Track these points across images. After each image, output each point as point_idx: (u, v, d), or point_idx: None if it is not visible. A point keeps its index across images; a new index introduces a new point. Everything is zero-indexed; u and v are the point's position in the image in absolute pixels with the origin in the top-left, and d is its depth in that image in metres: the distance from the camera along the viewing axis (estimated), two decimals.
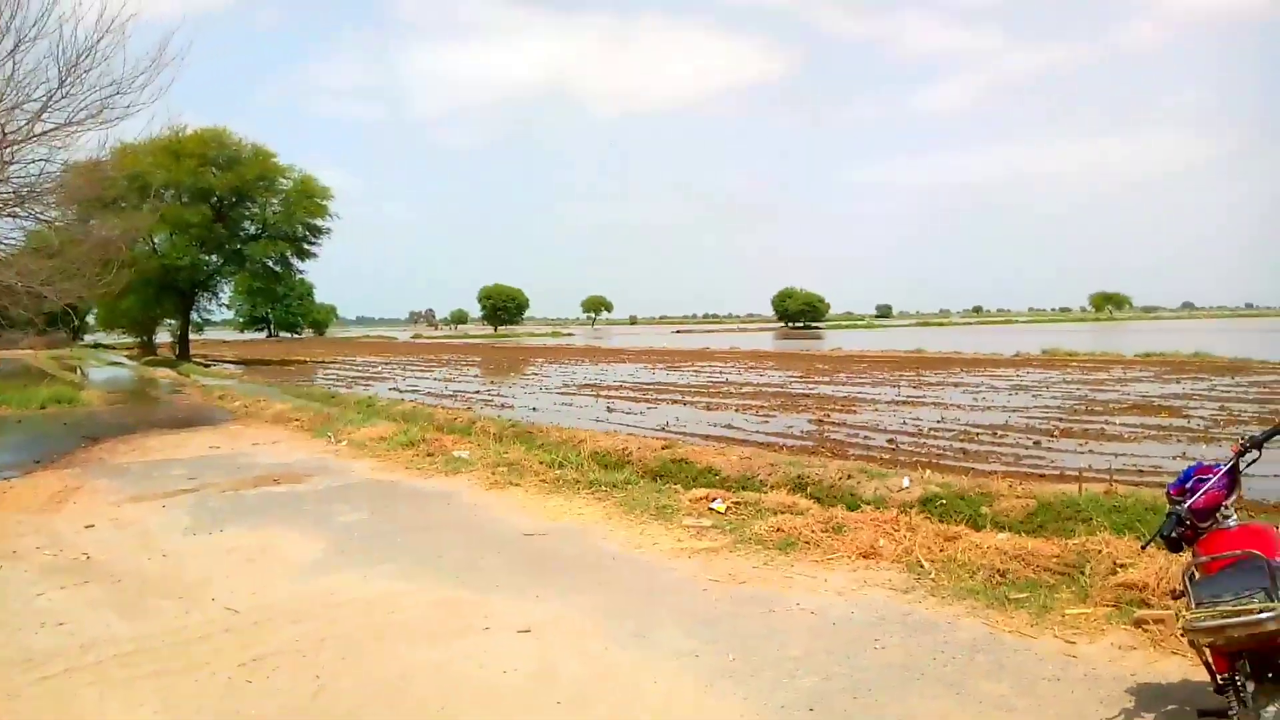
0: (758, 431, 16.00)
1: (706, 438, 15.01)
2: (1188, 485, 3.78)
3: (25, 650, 5.09)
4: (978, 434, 15.02)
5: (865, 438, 14.83)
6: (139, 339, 60.06)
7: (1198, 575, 3.33)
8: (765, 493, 9.31)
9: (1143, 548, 4.28)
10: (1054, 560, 5.96)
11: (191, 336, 60.61)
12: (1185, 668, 4.41)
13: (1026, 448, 13.65)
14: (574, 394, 24.79)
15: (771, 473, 10.81)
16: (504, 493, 9.37)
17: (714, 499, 8.26)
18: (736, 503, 8.16)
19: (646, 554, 6.90)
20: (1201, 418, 16.42)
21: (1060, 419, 16.84)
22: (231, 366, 44.80)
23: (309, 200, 48.08)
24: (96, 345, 78.02)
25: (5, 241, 14.35)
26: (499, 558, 6.87)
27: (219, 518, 8.55)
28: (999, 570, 5.92)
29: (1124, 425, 15.68)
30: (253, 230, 48.83)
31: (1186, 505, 3.64)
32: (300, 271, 54.48)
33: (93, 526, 8.29)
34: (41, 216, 14.14)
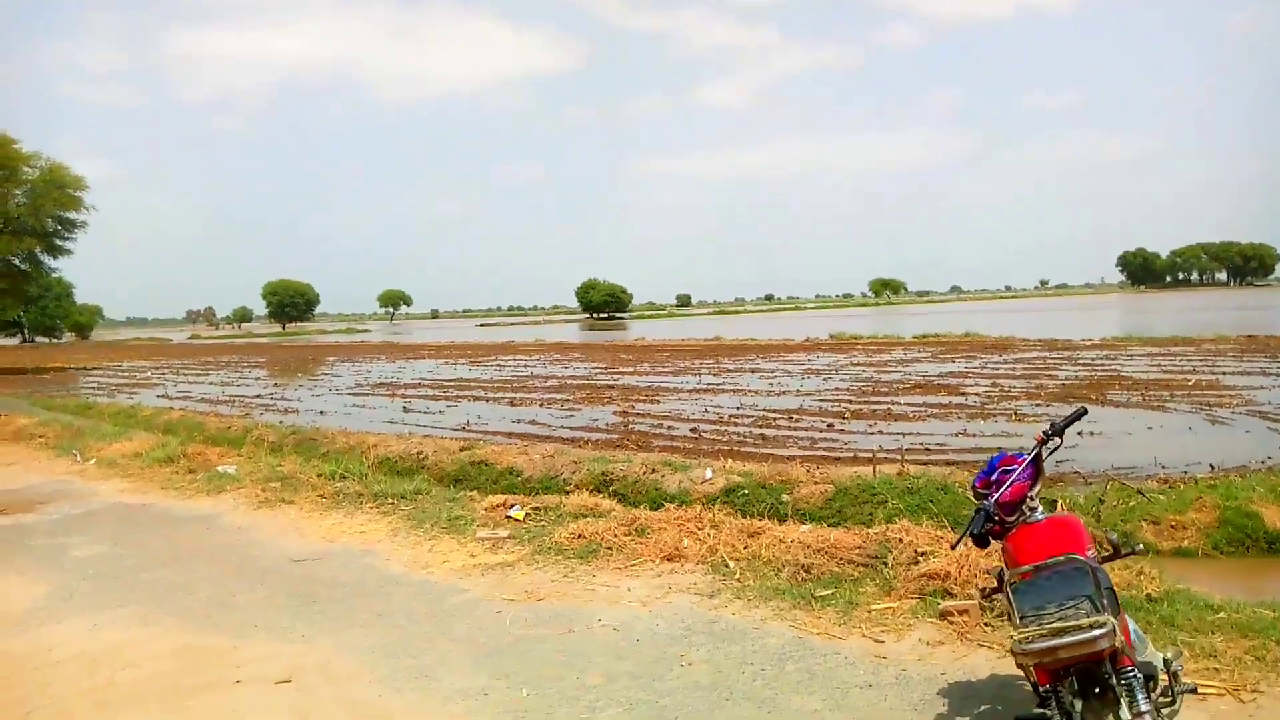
0: (562, 427, 15.57)
1: (509, 435, 14.43)
2: (993, 478, 3.60)
3: None
4: (775, 419, 15.24)
5: (669, 428, 14.71)
6: None
7: (1017, 583, 3.11)
8: (568, 494, 8.86)
9: (953, 547, 4.10)
10: (856, 551, 5.82)
11: None
12: (993, 661, 4.29)
13: (821, 430, 13.93)
14: (368, 394, 23.48)
15: (576, 470, 10.39)
16: (274, 512, 8.39)
17: (512, 505, 7.69)
18: (536, 508, 7.62)
19: (435, 574, 6.24)
20: (977, 394, 17.43)
21: (850, 401, 17.42)
22: None
23: (59, 191, 43.27)
24: None
25: None
26: (259, 591, 6.01)
27: None
28: (804, 566, 5.71)
29: (909, 405, 16.39)
30: None
31: (994, 500, 3.44)
32: (53, 270, 49.10)
33: None
34: None
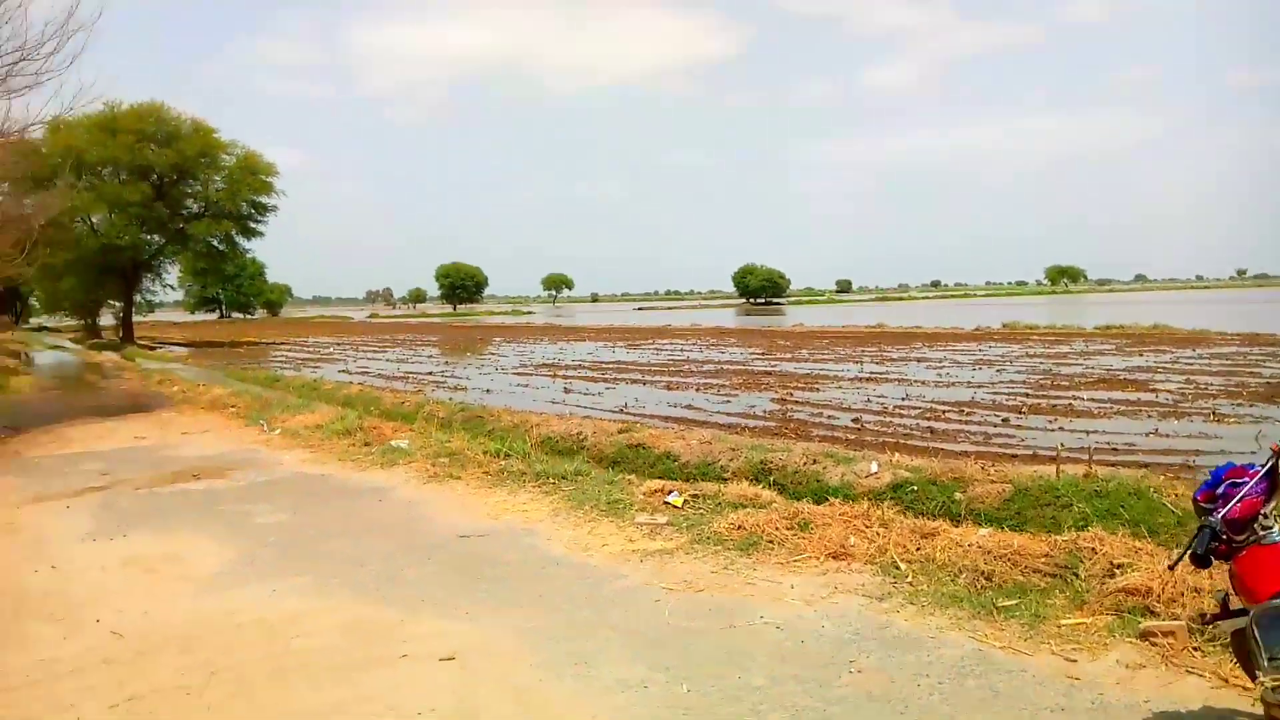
0: (719, 412, 15.39)
1: (666, 419, 14.38)
2: (1218, 491, 3.18)
3: None
4: (944, 411, 14.54)
5: (829, 417, 14.27)
6: (82, 322, 57.98)
7: (1262, 616, 2.72)
8: (726, 483, 8.68)
9: (1170, 568, 3.69)
10: (1043, 560, 5.38)
11: (138, 318, 58.83)
12: (1206, 691, 3.84)
13: (995, 425, 13.18)
14: (530, 374, 24.03)
15: (734, 457, 10.18)
16: (443, 487, 8.63)
17: (670, 491, 7.59)
18: (695, 495, 7.50)
19: (594, 558, 6.21)
20: (1169, 391, 16.08)
21: (1027, 394, 16.42)
22: (178, 349, 43.38)
23: (253, 177, 46.40)
24: (40, 329, 75.53)
25: None
26: (427, 566, 6.15)
27: (125, 521, 7.73)
28: (983, 572, 5.32)
29: (1092, 401, 15.28)
30: (195, 209, 47.06)
31: (1220, 516, 3.03)
32: (247, 251, 52.83)
33: None
34: None
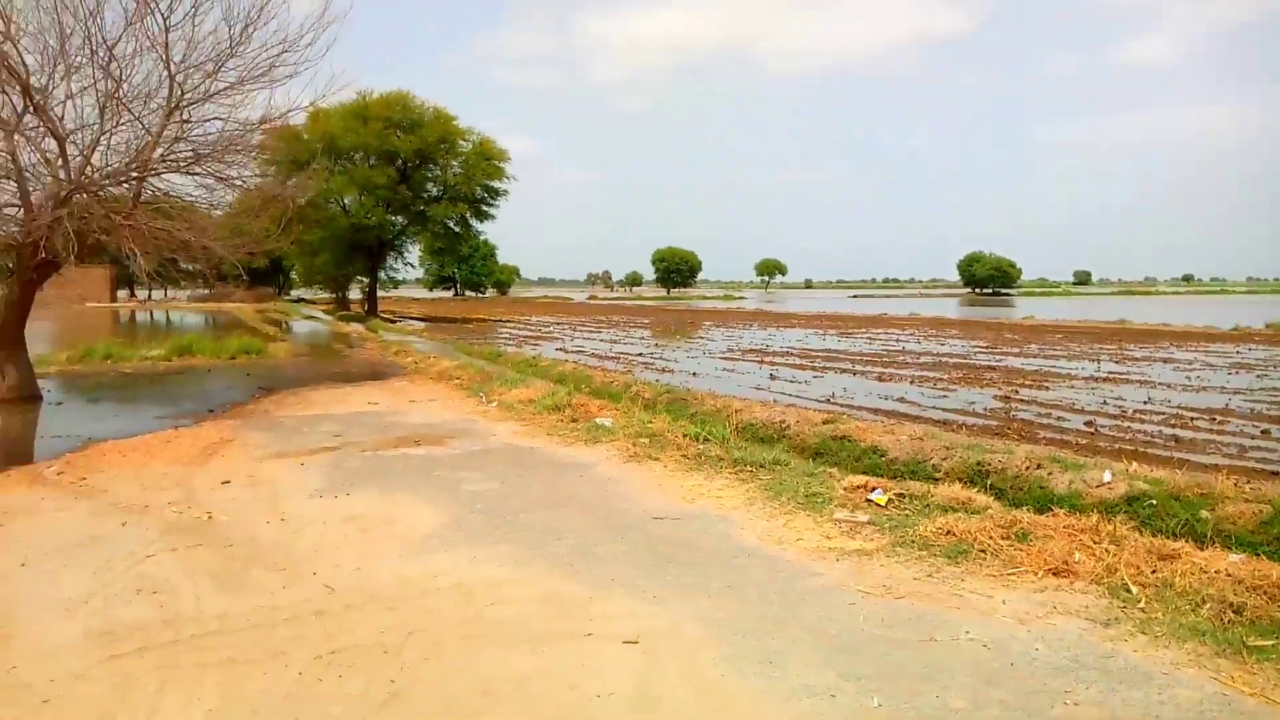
0: (934, 407, 14.63)
1: (875, 412, 13.84)
2: None
3: (111, 622, 4.81)
4: (1192, 419, 13.12)
5: (1058, 418, 13.23)
6: (334, 295, 63.53)
7: None
8: (936, 484, 8.19)
9: None
10: None
11: (382, 294, 63.79)
12: None
13: (1253, 437, 11.74)
14: (738, 359, 23.90)
15: (947, 456, 9.61)
16: (641, 467, 8.67)
17: (873, 488, 7.23)
18: (900, 494, 7.10)
19: (788, 552, 6.00)
20: None
21: None
22: (416, 323, 46.52)
23: (487, 162, 49.03)
24: (299, 300, 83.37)
25: (187, 199, 14.87)
26: (620, 544, 6.16)
27: (350, 480, 8.30)
28: (1232, 604, 4.67)
29: None
30: (434, 192, 50.32)
31: None
32: (480, 232, 55.91)
33: (228, 483, 8.20)
34: (220, 175, 14.51)
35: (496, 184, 50.25)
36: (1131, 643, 4.43)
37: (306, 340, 32.18)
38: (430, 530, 6.61)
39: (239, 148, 14.54)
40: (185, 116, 13.87)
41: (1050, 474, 8.45)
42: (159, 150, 13.90)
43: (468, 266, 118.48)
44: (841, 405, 14.55)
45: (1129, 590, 5.02)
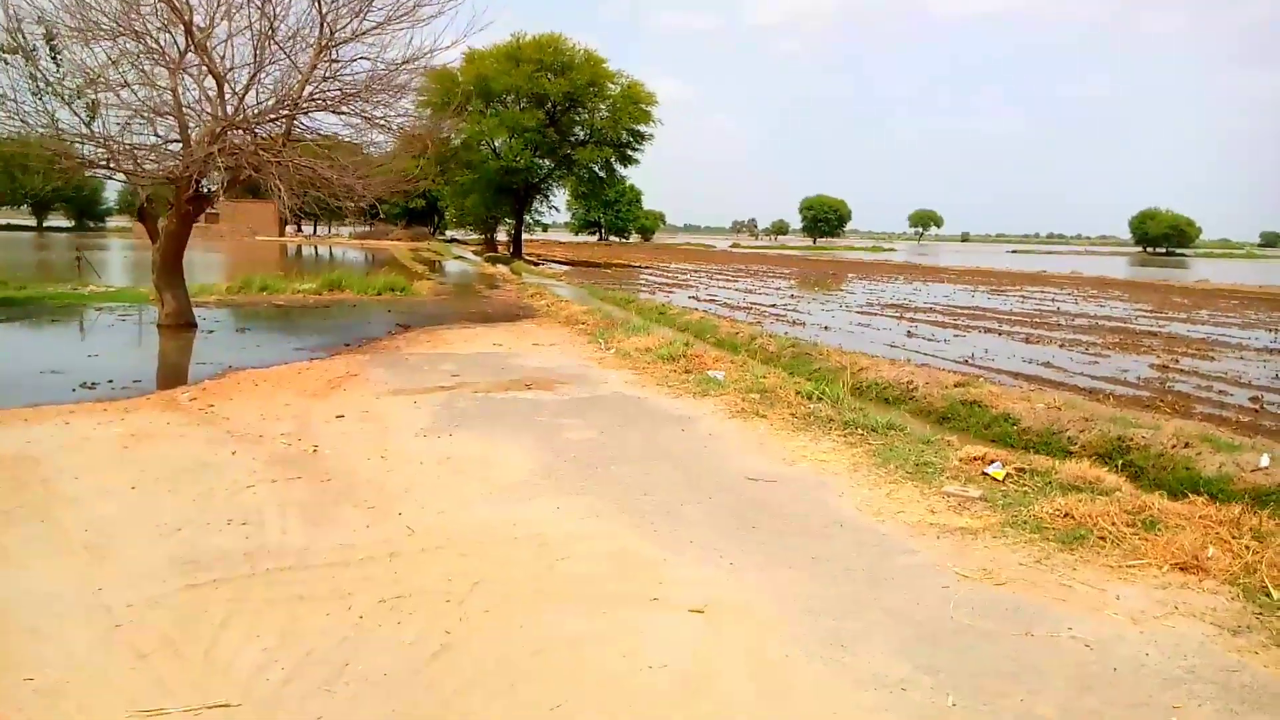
0: (1081, 374, 13.59)
1: (1015, 376, 12.98)
2: None
3: (198, 552, 4.94)
4: None
5: (1220, 392, 12.04)
6: (482, 236, 65.08)
7: None
8: (1069, 457, 7.56)
9: None
10: None
11: (529, 237, 64.89)
12: None
13: None
14: (875, 314, 23.01)
15: (1084, 429, 8.88)
16: (746, 423, 8.35)
17: (992, 461, 6.69)
18: (1020, 469, 6.54)
19: (885, 525, 5.61)
20: None
21: None
22: (557, 266, 47.16)
23: (634, 106, 48.60)
24: (451, 240, 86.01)
25: (336, 137, 15.35)
26: (706, 505, 5.92)
27: (456, 421, 8.36)
28: None
29: None
30: (581, 135, 50.42)
31: None
32: (625, 177, 55.80)
33: (342, 417, 8.40)
34: (366, 114, 14.88)
35: (643, 128, 49.85)
36: (1263, 655, 3.88)
37: (451, 280, 33.07)
38: (521, 477, 6.55)
39: (385, 87, 14.83)
40: (334, 56, 14.21)
41: (1199, 454, 7.65)
42: (309, 89, 14.33)
43: (613, 211, 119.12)
44: (979, 367, 13.72)
45: (1268, 594, 4.41)
